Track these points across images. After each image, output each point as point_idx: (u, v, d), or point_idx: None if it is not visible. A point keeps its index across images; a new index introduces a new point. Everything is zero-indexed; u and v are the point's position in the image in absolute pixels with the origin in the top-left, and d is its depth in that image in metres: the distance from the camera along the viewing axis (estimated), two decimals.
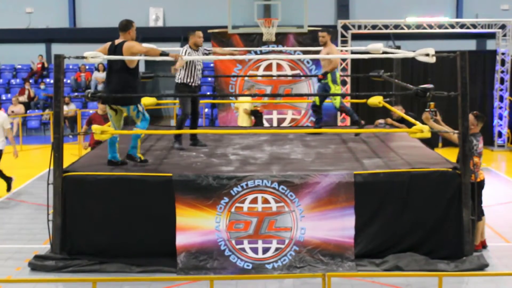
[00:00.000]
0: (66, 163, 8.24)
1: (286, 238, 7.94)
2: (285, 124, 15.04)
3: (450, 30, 16.63)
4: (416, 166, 8.27)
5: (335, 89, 10.55)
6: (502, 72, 16.80)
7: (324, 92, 10.64)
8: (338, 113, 15.75)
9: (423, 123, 8.56)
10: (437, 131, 8.52)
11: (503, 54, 16.69)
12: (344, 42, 15.95)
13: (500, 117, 17.02)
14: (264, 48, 14.52)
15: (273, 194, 7.92)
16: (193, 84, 9.68)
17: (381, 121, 11.53)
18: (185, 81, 9.65)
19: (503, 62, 16.76)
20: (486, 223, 8.84)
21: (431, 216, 8.00)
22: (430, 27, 16.49)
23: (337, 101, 10.71)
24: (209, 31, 14.47)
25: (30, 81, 21.88)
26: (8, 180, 11.86)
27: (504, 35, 16.57)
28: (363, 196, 7.92)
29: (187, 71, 9.61)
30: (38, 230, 9.46)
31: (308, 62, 14.93)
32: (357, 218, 7.93)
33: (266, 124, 15.00)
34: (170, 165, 8.72)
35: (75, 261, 7.89)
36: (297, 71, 14.90)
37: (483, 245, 8.55)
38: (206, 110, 19.13)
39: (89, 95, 8.35)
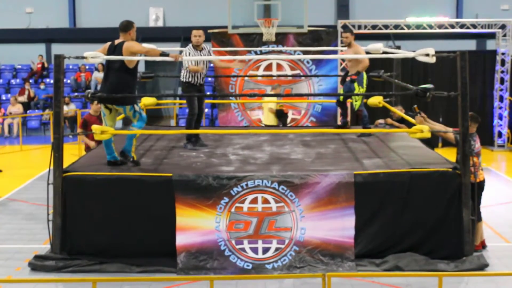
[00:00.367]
0: (66, 163, 8.25)
1: (286, 238, 7.94)
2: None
3: (450, 30, 16.63)
4: (416, 166, 8.27)
5: (358, 90, 10.53)
6: (502, 72, 16.80)
7: (349, 92, 10.64)
8: (338, 113, 15.76)
9: None
10: (434, 131, 8.51)
11: (503, 54, 16.68)
12: None
13: (500, 117, 17.01)
14: (264, 48, 14.52)
15: (273, 194, 7.92)
16: (197, 83, 9.74)
17: (381, 121, 11.53)
18: (189, 80, 9.71)
19: (503, 62, 16.75)
20: (486, 223, 8.85)
21: (431, 216, 8.00)
22: (430, 27, 16.49)
23: (357, 103, 10.69)
24: (209, 31, 14.46)
25: (30, 81, 21.88)
26: None
27: (504, 35, 16.56)
28: (363, 196, 7.92)
29: (192, 71, 9.64)
30: (38, 230, 9.46)
31: (308, 62, 14.93)
32: (357, 218, 7.93)
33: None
34: (170, 165, 8.72)
35: (75, 261, 7.89)
36: (297, 71, 14.90)
37: (483, 245, 8.55)
38: (206, 110, 19.13)
39: (89, 95, 8.35)
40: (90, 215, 8.01)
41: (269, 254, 7.94)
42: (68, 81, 21.50)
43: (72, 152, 13.08)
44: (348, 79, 10.61)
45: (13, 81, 22.55)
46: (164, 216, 7.91)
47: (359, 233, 7.95)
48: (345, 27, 11.42)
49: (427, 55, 8.09)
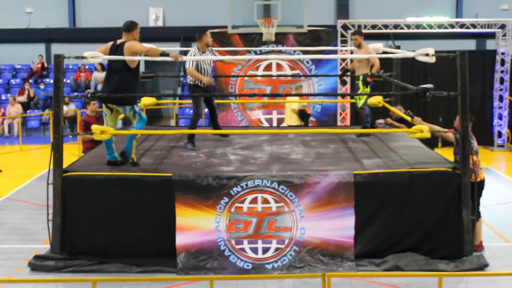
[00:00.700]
0: (66, 163, 8.25)
1: (286, 238, 7.95)
2: (284, 124, 15.03)
3: (450, 30, 16.63)
4: (416, 166, 8.27)
5: (363, 90, 10.58)
6: (502, 72, 16.80)
7: (354, 91, 10.71)
8: (339, 113, 15.78)
9: None
10: (434, 131, 8.51)
11: (502, 54, 16.68)
12: (344, 42, 15.95)
13: (500, 117, 17.01)
14: (264, 48, 14.53)
15: (273, 194, 7.92)
16: (204, 85, 9.84)
17: (381, 121, 11.53)
18: (196, 83, 9.82)
19: (503, 62, 16.75)
20: (486, 223, 8.85)
21: (431, 216, 8.00)
22: (430, 27, 16.49)
23: (361, 101, 10.73)
24: (209, 31, 14.45)
25: (30, 81, 21.88)
26: None
27: (504, 35, 16.56)
28: (363, 196, 7.92)
29: (202, 72, 9.74)
30: (38, 230, 9.46)
31: (307, 62, 14.94)
32: (357, 218, 7.93)
33: (265, 124, 15.01)
34: (170, 165, 8.72)
35: (75, 261, 7.90)
36: (297, 71, 14.91)
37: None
38: (206, 110, 19.10)
39: (89, 95, 8.35)
40: (90, 215, 8.01)
41: (269, 254, 7.94)
42: (68, 81, 21.50)
43: (72, 152, 13.09)
44: (369, 79, 10.63)
45: (13, 81, 22.55)
46: (164, 216, 7.91)
47: (359, 233, 7.95)
48: (354, 30, 11.46)
49: (427, 55, 8.10)
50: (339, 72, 15.43)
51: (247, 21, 16.11)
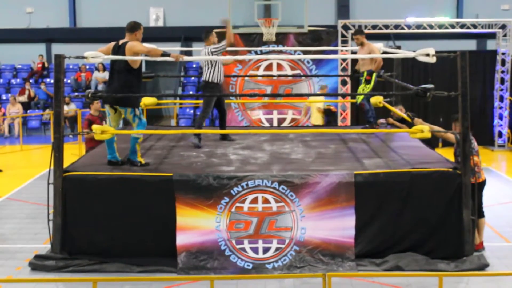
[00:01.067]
0: (66, 163, 8.25)
1: (287, 238, 7.94)
2: (285, 124, 15.05)
3: (451, 30, 16.63)
4: (416, 166, 8.27)
5: (364, 86, 10.64)
6: (503, 72, 16.80)
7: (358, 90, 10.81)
8: (339, 113, 15.77)
9: None
10: (434, 131, 8.51)
11: (503, 54, 16.68)
12: (344, 42, 15.94)
13: (501, 117, 17.01)
14: (264, 48, 14.53)
15: (274, 194, 7.92)
16: (220, 82, 10.02)
17: (382, 120, 11.54)
18: (214, 80, 9.93)
19: (503, 62, 16.75)
20: (487, 223, 8.84)
21: (431, 216, 8.00)
22: (431, 27, 16.49)
23: (360, 97, 10.78)
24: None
25: (31, 81, 21.89)
26: None
27: (505, 35, 16.56)
28: (364, 196, 7.92)
29: (217, 70, 9.88)
30: (38, 230, 9.46)
31: (308, 62, 14.94)
32: (357, 218, 7.93)
33: (266, 124, 15.00)
34: (170, 165, 8.72)
35: (75, 261, 7.90)
36: (297, 71, 14.91)
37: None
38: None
39: (90, 95, 8.35)
40: (91, 215, 8.01)
41: (270, 254, 7.94)
42: (68, 81, 21.50)
43: (73, 152, 13.09)
44: (368, 78, 10.65)
45: (13, 81, 22.55)
46: (165, 216, 7.91)
47: (359, 233, 7.95)
48: (354, 30, 11.49)
49: (428, 55, 8.10)
50: (340, 72, 15.45)
51: (248, 21, 16.10)
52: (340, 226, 7.92)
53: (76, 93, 21.00)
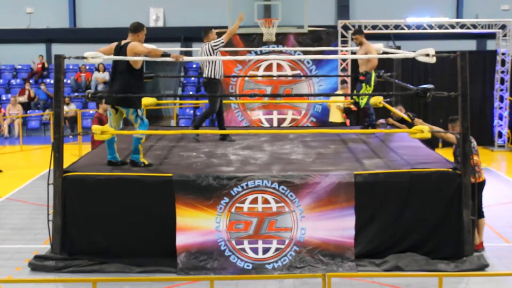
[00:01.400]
0: (66, 163, 8.25)
1: (286, 238, 7.94)
2: (285, 124, 15.01)
3: (450, 30, 16.63)
4: (416, 166, 8.27)
5: (365, 89, 10.65)
6: (502, 72, 16.79)
7: (357, 90, 10.85)
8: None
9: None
10: (434, 132, 8.52)
11: (503, 54, 16.68)
12: (344, 42, 15.95)
13: (500, 117, 17.01)
14: (264, 48, 14.51)
15: (273, 194, 7.92)
16: (221, 78, 10.22)
17: (382, 120, 11.54)
18: (216, 76, 10.14)
19: (503, 62, 16.75)
20: (487, 223, 8.84)
21: (431, 216, 8.00)
22: (430, 27, 16.49)
23: (363, 101, 10.79)
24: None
25: (30, 81, 21.89)
26: None
27: (504, 35, 16.56)
28: (363, 196, 7.92)
29: (217, 66, 10.08)
30: (38, 230, 9.46)
31: (308, 62, 14.92)
32: (357, 218, 7.93)
33: (266, 124, 15.00)
34: (170, 165, 8.72)
35: (75, 261, 7.90)
36: (297, 71, 14.89)
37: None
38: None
39: (89, 95, 8.35)
40: (90, 215, 8.01)
41: (269, 254, 7.94)
42: (68, 81, 21.49)
43: (72, 152, 13.08)
44: (362, 78, 10.70)
45: (13, 81, 22.55)
46: (164, 216, 7.91)
47: (359, 233, 7.94)
48: (354, 30, 11.53)
49: (427, 55, 8.10)
50: (340, 72, 15.44)
51: (248, 21, 16.07)
52: (340, 227, 7.92)
53: (76, 94, 21.00)
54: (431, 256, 7.93)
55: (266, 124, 14.83)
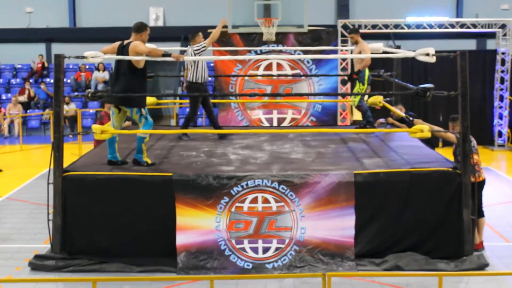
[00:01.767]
0: (66, 163, 8.25)
1: (286, 237, 7.94)
2: (285, 123, 15.02)
3: (450, 30, 16.62)
4: (416, 165, 8.27)
5: (359, 87, 10.67)
6: (502, 71, 16.79)
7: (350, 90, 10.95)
8: (339, 112, 15.77)
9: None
10: (434, 131, 8.52)
11: (503, 53, 16.68)
12: (344, 42, 15.94)
13: (500, 117, 17.01)
14: (264, 48, 14.51)
15: (273, 194, 7.92)
16: (204, 81, 10.27)
17: (382, 120, 11.53)
18: (198, 80, 10.20)
19: (503, 62, 16.74)
20: (487, 222, 8.84)
21: (431, 216, 8.00)
22: (430, 26, 16.48)
23: (356, 99, 10.83)
24: (209, 30, 14.42)
25: (30, 80, 21.89)
26: None
27: (504, 35, 16.55)
28: (363, 196, 7.92)
29: (200, 69, 10.13)
30: (38, 229, 9.46)
31: (308, 62, 14.92)
32: (357, 218, 7.93)
33: (266, 123, 15.00)
34: (170, 164, 8.72)
35: (75, 261, 7.90)
36: (297, 71, 14.89)
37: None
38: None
39: (89, 95, 8.36)
40: (90, 214, 8.01)
41: (269, 253, 7.94)
42: (68, 81, 21.50)
43: (72, 152, 13.08)
44: (355, 76, 10.73)
45: (13, 81, 22.55)
46: (164, 215, 7.91)
47: (359, 232, 7.94)
48: (350, 29, 11.54)
49: (427, 54, 8.10)
50: (340, 72, 15.43)
51: (247, 21, 16.09)
52: (340, 226, 7.92)
53: (76, 93, 21.00)
54: (431, 256, 7.93)
55: (266, 124, 14.84)
